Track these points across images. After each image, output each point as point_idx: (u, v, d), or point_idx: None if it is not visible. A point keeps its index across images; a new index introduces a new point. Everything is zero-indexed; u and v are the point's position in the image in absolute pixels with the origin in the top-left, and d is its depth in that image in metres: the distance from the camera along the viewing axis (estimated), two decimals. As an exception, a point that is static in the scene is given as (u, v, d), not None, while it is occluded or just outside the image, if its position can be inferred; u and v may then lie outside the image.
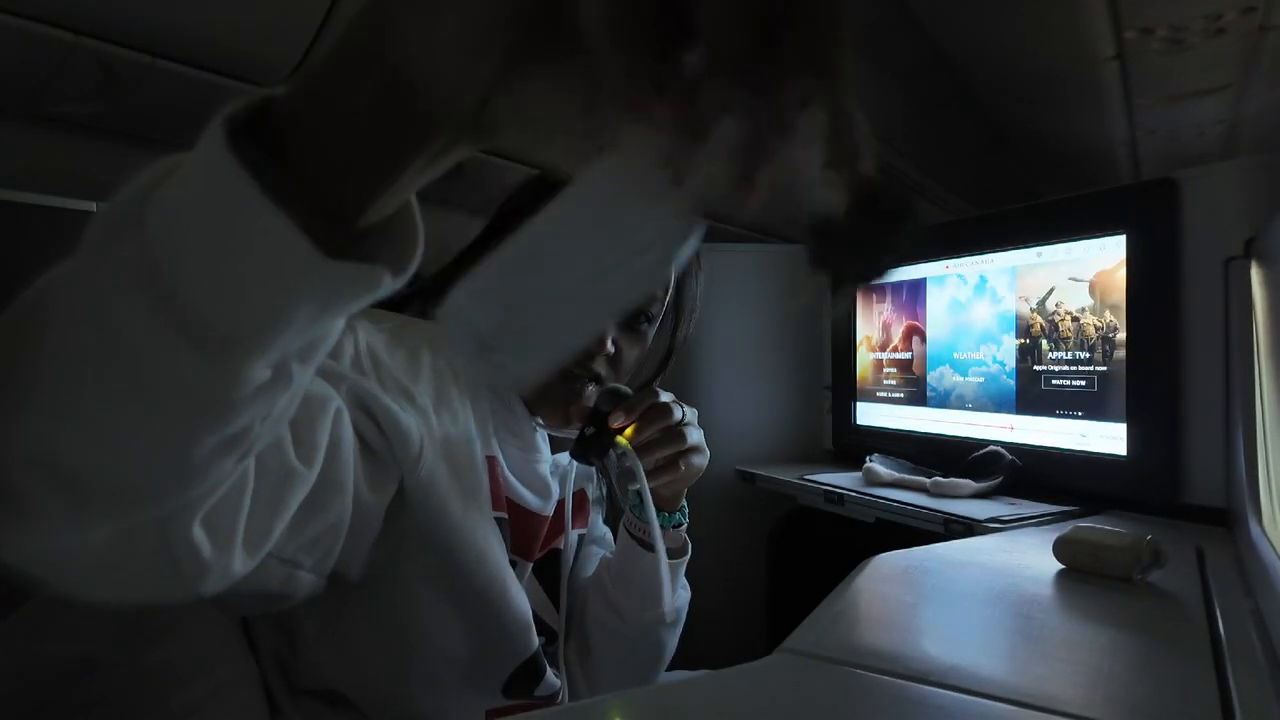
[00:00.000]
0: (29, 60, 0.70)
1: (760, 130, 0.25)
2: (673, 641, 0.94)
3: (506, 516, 0.79)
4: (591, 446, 0.79)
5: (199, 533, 0.40)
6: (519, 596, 0.77)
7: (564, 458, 0.88)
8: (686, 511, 0.92)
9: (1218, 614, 0.76)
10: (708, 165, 0.26)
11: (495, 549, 0.76)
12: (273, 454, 0.49)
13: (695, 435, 0.85)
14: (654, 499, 0.86)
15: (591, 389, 0.82)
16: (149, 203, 0.32)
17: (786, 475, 1.73)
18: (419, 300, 0.84)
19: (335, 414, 0.58)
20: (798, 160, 0.26)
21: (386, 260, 0.34)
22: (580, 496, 0.91)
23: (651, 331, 0.87)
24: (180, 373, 0.33)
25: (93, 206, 0.80)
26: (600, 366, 0.82)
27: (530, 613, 0.79)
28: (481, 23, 0.27)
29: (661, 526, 0.88)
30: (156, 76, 0.75)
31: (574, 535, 0.89)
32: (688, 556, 0.93)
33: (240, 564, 0.46)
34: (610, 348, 0.81)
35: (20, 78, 0.73)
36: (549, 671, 0.81)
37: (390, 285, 0.34)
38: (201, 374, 0.33)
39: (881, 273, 0.43)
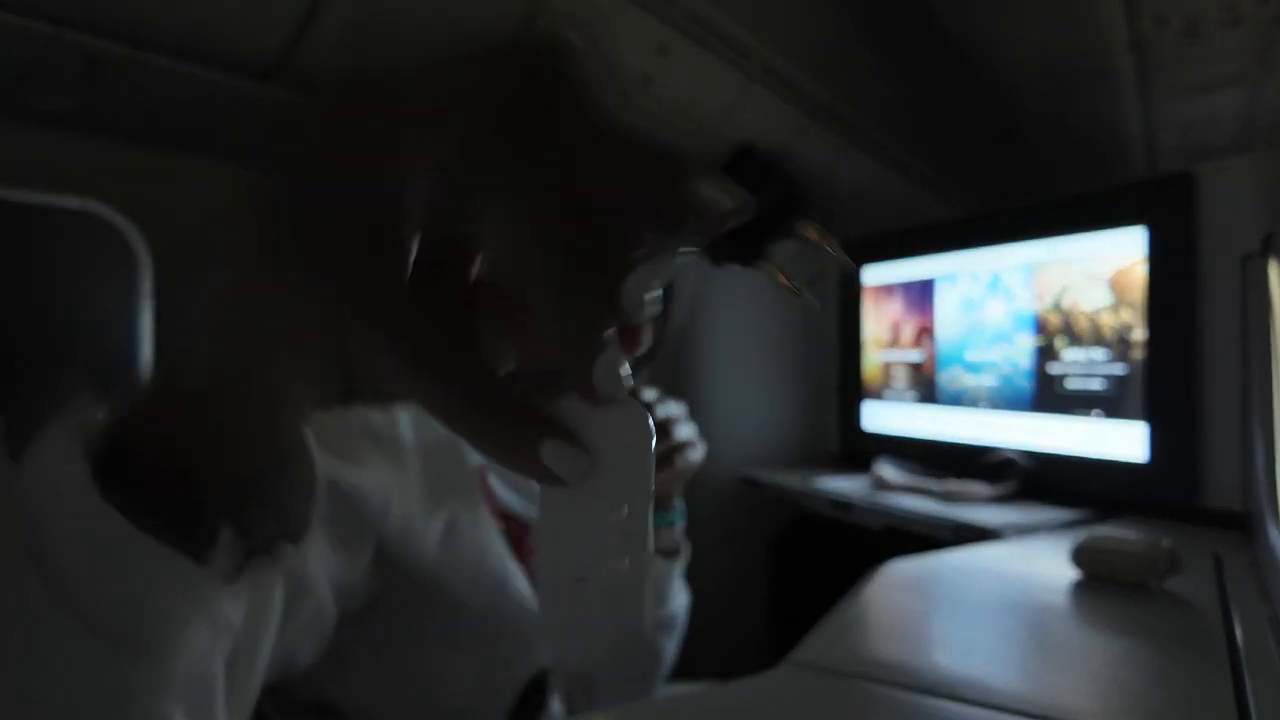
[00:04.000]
0: (7, 52, 0.69)
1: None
2: (671, 648, 0.92)
3: (504, 527, 0.78)
4: None
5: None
6: (522, 612, 0.75)
7: None
8: (682, 510, 0.90)
9: (1235, 621, 0.75)
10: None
11: (492, 560, 0.74)
12: None
13: (685, 431, 0.84)
14: None
15: None
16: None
17: (792, 480, 1.71)
18: None
19: None
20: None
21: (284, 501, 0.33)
22: None
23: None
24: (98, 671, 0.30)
25: (74, 204, 0.79)
26: None
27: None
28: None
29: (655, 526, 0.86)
30: (138, 69, 0.74)
31: None
32: (682, 557, 0.90)
33: None
34: None
35: (-1, 71, 0.72)
36: (554, 699, 0.79)
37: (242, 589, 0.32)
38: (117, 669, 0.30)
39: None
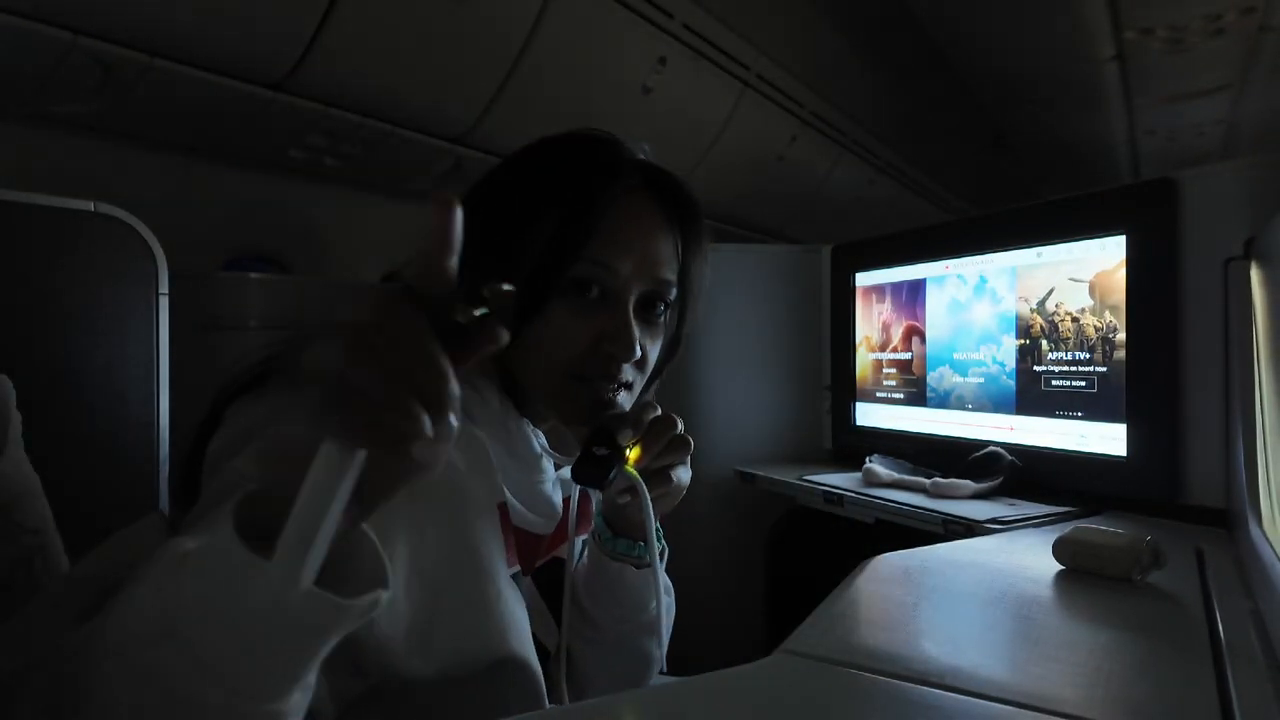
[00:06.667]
0: (28, 59, 0.70)
1: None
2: (659, 651, 0.86)
3: (520, 569, 0.72)
4: (602, 467, 0.69)
5: None
6: (525, 674, 0.66)
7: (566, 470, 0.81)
8: (656, 541, 0.78)
9: (1217, 615, 0.76)
10: None
11: (506, 622, 0.65)
12: None
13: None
14: (620, 525, 0.79)
15: (622, 395, 0.73)
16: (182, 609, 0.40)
17: (786, 475, 1.73)
18: None
19: None
20: None
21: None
22: (585, 502, 0.82)
23: (664, 320, 0.77)
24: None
25: (90, 206, 0.80)
26: (629, 373, 0.73)
27: (542, 681, 0.68)
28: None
29: (620, 555, 0.80)
30: (154, 75, 0.75)
31: (578, 542, 0.82)
32: (657, 566, 0.79)
33: None
34: (638, 351, 0.72)
35: (19, 77, 0.73)
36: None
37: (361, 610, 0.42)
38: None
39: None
